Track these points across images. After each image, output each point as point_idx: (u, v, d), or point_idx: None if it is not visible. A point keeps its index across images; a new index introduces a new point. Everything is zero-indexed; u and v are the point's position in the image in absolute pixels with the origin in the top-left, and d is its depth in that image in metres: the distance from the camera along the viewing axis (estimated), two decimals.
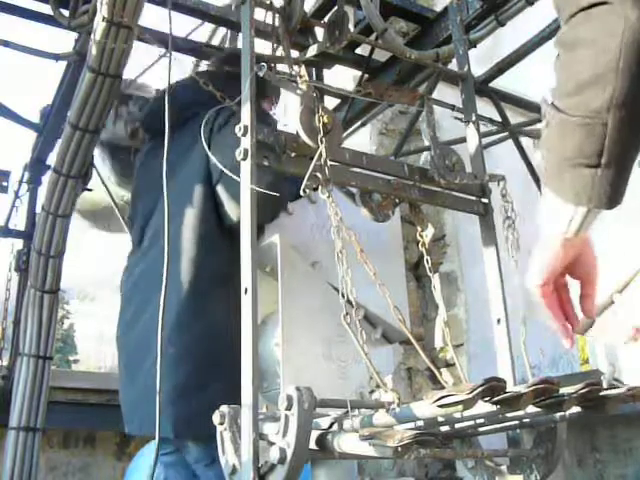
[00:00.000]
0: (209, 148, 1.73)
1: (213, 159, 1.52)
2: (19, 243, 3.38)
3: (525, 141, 3.21)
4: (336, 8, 1.68)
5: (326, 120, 1.35)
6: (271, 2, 1.55)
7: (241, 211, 1.27)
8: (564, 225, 0.94)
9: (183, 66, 1.89)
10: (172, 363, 1.66)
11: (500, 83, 3.09)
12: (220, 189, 1.75)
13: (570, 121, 0.88)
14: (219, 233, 1.78)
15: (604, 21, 0.84)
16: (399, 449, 0.93)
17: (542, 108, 0.94)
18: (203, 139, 1.64)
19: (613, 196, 0.89)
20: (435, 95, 2.58)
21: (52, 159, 2.57)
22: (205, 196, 1.79)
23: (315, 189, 1.32)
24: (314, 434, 1.11)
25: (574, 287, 1.06)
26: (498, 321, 1.49)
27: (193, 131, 1.82)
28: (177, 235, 1.75)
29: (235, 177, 1.31)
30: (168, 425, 1.64)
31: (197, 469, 1.80)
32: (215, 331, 1.71)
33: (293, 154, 1.36)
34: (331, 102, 3.02)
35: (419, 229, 1.57)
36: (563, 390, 0.98)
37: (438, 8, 2.89)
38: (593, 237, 1.02)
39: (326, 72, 2.97)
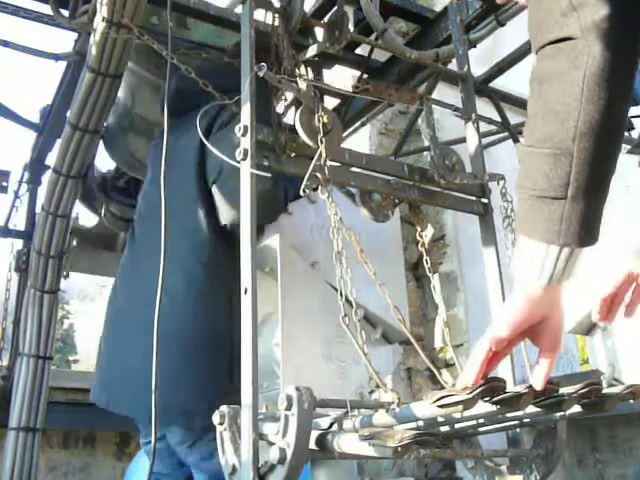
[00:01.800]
0: (207, 145, 1.75)
1: (216, 152, 1.51)
2: (19, 243, 3.38)
3: None
4: (336, 8, 1.68)
5: (326, 120, 1.35)
6: (271, 2, 1.55)
7: (241, 211, 1.26)
8: (536, 271, 0.89)
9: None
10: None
11: (500, 83, 3.09)
12: (216, 189, 1.76)
13: (537, 152, 0.88)
14: (210, 230, 1.80)
15: (569, 55, 0.86)
16: (399, 449, 0.93)
17: (517, 151, 0.95)
18: (200, 133, 1.63)
19: (585, 231, 0.86)
20: (435, 95, 2.58)
21: (52, 159, 2.58)
22: (196, 191, 1.81)
23: (315, 189, 1.32)
24: (314, 434, 1.11)
25: None
26: None
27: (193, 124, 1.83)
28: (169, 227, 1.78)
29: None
30: (146, 411, 1.66)
31: (180, 452, 1.80)
32: (200, 319, 1.73)
33: (293, 154, 1.36)
34: (331, 102, 3.02)
35: (419, 229, 1.57)
36: (563, 390, 0.98)
37: (438, 8, 2.89)
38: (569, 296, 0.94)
39: (326, 72, 2.97)
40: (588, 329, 1.80)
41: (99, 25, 1.86)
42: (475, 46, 2.55)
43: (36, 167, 3.41)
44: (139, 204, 2.09)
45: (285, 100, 1.99)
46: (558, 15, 0.86)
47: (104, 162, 3.18)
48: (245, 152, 1.27)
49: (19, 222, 3.44)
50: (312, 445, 1.10)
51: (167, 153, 1.51)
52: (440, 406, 0.91)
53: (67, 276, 2.94)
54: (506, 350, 0.96)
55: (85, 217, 3.48)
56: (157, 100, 2.26)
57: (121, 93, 2.46)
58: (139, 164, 2.69)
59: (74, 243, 3.28)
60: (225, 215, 1.73)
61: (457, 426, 1.26)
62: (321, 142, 1.31)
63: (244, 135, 1.28)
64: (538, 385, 0.92)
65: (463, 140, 1.78)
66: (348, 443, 1.05)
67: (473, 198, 1.61)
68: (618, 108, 0.86)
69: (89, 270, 3.95)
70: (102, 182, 3.17)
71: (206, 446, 1.71)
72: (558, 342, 0.93)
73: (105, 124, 2.37)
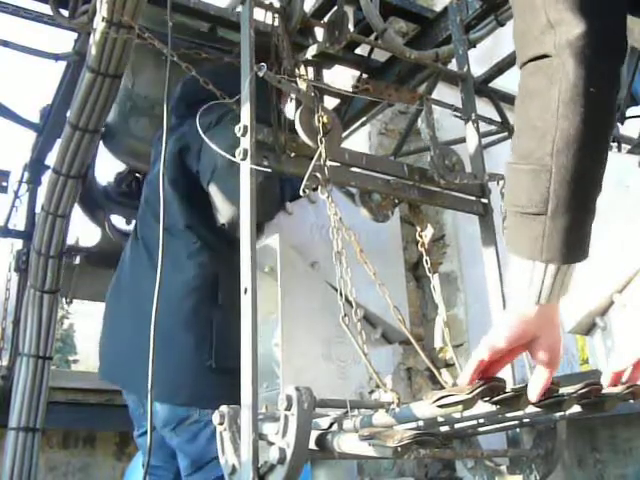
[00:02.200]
0: (199, 149, 1.78)
1: (215, 147, 1.52)
2: (19, 243, 3.38)
3: None
4: (336, 8, 1.68)
5: (326, 120, 1.34)
6: (271, 2, 1.55)
7: (240, 211, 1.26)
8: (525, 288, 0.89)
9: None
10: (142, 326, 1.75)
11: (500, 83, 3.09)
12: (212, 189, 1.77)
13: (519, 169, 0.89)
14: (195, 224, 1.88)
15: (546, 72, 0.88)
16: (399, 449, 0.93)
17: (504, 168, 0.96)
18: (200, 130, 1.64)
19: (567, 247, 0.86)
20: (434, 95, 2.58)
21: (52, 159, 2.58)
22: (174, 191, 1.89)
23: (315, 189, 1.32)
24: (314, 434, 1.11)
25: None
26: None
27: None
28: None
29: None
30: (135, 383, 1.75)
31: (165, 435, 1.82)
32: (184, 305, 1.80)
33: (293, 154, 1.36)
34: (331, 102, 3.02)
35: (418, 229, 1.57)
36: (563, 390, 0.98)
37: (438, 8, 2.89)
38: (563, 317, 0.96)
39: (326, 72, 2.97)
40: (588, 329, 1.80)
41: (99, 25, 1.86)
42: (475, 46, 2.55)
43: (36, 167, 3.41)
44: (144, 190, 2.14)
45: (291, 100, 2.01)
46: (537, 32, 0.88)
47: (103, 170, 3.21)
48: (245, 152, 1.27)
49: (19, 222, 3.45)
50: (312, 445, 1.10)
51: (166, 153, 1.53)
52: (440, 406, 0.91)
53: (70, 302, 2.98)
54: (506, 359, 0.96)
55: (85, 238, 3.50)
56: (158, 78, 2.30)
57: None
58: (144, 149, 2.70)
59: (77, 261, 3.31)
60: (223, 214, 1.74)
61: (457, 426, 1.26)
62: (321, 142, 1.31)
63: (244, 135, 1.28)
64: (532, 397, 0.92)
65: (463, 140, 1.78)
66: (348, 443, 1.05)
67: (473, 198, 1.61)
68: (594, 124, 0.86)
69: (91, 296, 3.82)
70: (104, 192, 3.20)
71: (189, 429, 1.75)
72: (554, 360, 0.92)
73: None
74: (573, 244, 0.87)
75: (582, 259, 0.89)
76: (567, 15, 0.85)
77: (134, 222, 2.17)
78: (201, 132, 1.53)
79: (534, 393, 0.92)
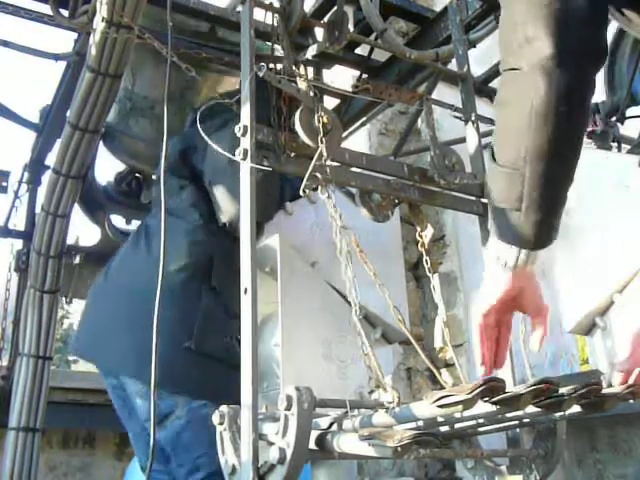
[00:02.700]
0: (205, 149, 1.78)
1: (218, 149, 1.53)
2: (19, 243, 3.38)
3: None
4: (336, 8, 1.68)
5: (326, 120, 1.34)
6: (271, 2, 1.55)
7: (240, 211, 1.26)
8: (502, 259, 1.04)
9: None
10: (123, 299, 1.79)
11: None
12: (213, 190, 1.80)
13: (498, 170, 1.01)
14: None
15: (519, 85, 0.96)
16: (399, 449, 0.93)
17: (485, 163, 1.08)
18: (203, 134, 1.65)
19: (537, 237, 1.00)
20: (434, 95, 2.58)
21: (52, 159, 2.58)
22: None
23: (315, 189, 1.32)
24: (314, 434, 1.11)
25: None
26: None
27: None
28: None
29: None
30: (105, 359, 1.80)
31: (148, 426, 1.80)
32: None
33: (293, 154, 1.36)
34: (331, 102, 3.02)
35: (418, 229, 1.57)
36: (563, 390, 0.98)
37: (438, 8, 2.89)
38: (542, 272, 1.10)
39: (325, 72, 2.97)
40: (588, 329, 1.80)
41: (99, 25, 1.86)
42: (475, 46, 2.55)
43: (36, 167, 3.41)
44: (154, 189, 2.18)
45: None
46: (515, 45, 0.95)
47: (103, 170, 3.21)
48: (245, 152, 1.27)
49: (19, 222, 3.44)
50: (312, 445, 1.10)
51: (166, 153, 1.54)
52: (440, 406, 0.91)
53: (70, 302, 2.98)
54: (502, 321, 1.10)
55: (85, 238, 3.50)
56: (158, 78, 2.31)
57: None
58: (144, 149, 2.70)
59: (76, 261, 3.31)
60: (224, 214, 1.76)
61: (457, 426, 1.26)
62: (321, 142, 1.31)
63: (244, 135, 1.28)
64: (535, 346, 1.08)
65: (463, 140, 1.78)
66: (348, 443, 1.05)
67: (473, 198, 1.61)
68: (564, 136, 0.95)
69: None
70: (104, 192, 3.20)
71: (172, 426, 1.74)
72: (541, 306, 1.09)
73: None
74: (542, 234, 1.01)
75: (548, 245, 1.04)
76: (541, 32, 0.90)
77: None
78: (203, 134, 1.53)
79: (537, 341, 1.08)
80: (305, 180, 1.27)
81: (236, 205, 1.62)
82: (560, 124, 0.93)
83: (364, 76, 2.82)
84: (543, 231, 1.01)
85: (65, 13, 2.33)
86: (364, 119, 3.20)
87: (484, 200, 1.61)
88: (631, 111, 2.80)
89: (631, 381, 1.05)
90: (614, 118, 2.72)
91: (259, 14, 1.56)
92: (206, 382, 1.73)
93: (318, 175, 1.28)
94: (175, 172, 1.94)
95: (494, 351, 1.11)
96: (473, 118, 1.69)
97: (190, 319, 1.75)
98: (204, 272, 1.82)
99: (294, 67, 1.47)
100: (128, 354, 1.74)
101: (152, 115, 2.62)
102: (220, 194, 1.78)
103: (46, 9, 2.38)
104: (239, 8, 1.90)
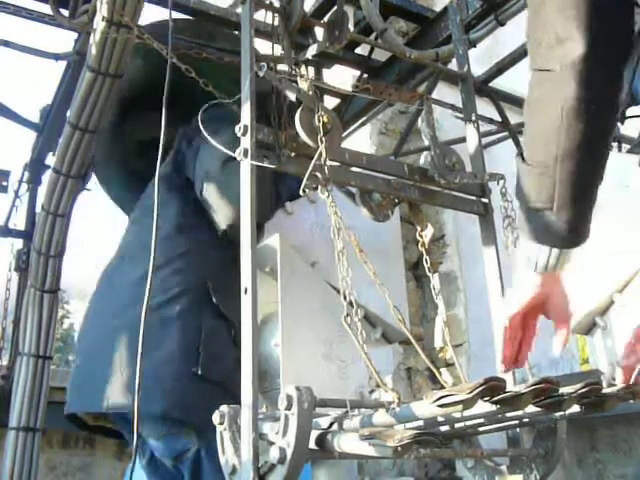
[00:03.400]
0: (197, 150, 1.78)
1: (218, 145, 1.52)
2: (19, 243, 3.37)
3: None
4: (336, 8, 1.68)
5: (326, 120, 1.34)
6: (271, 2, 1.55)
7: (241, 211, 1.26)
8: (532, 260, 1.05)
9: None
10: (113, 338, 1.71)
11: (500, 83, 3.09)
12: (204, 200, 1.77)
13: (528, 170, 1.02)
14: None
15: (550, 86, 0.97)
16: (399, 449, 0.93)
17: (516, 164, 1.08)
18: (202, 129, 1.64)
19: (569, 235, 1.01)
20: (435, 95, 2.58)
21: (52, 159, 2.58)
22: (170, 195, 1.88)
23: (315, 189, 1.32)
24: (314, 434, 1.11)
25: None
26: None
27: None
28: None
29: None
30: (102, 402, 1.66)
31: (167, 463, 1.77)
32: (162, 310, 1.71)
33: (293, 154, 1.36)
34: (331, 102, 3.02)
35: (418, 229, 1.57)
36: (563, 390, 0.98)
37: (438, 8, 2.89)
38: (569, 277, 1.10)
39: (326, 72, 2.97)
40: (588, 329, 1.80)
41: (99, 25, 1.86)
42: (475, 46, 2.55)
43: (36, 167, 3.41)
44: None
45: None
46: (545, 47, 0.96)
47: None
48: (245, 152, 1.27)
49: (19, 222, 3.44)
50: (312, 445, 1.10)
51: (163, 154, 1.53)
52: (440, 406, 0.91)
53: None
54: (528, 324, 1.13)
55: None
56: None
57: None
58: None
59: None
60: (221, 219, 1.74)
61: (457, 426, 1.26)
62: (321, 142, 1.31)
63: (244, 135, 1.28)
64: (557, 350, 1.12)
65: (463, 140, 1.78)
66: (348, 443, 1.05)
67: (473, 198, 1.61)
68: (595, 135, 0.96)
69: None
70: None
71: (190, 460, 1.69)
72: (566, 313, 1.11)
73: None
74: (574, 231, 1.01)
75: (581, 243, 1.03)
76: (574, 32, 0.91)
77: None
78: (204, 131, 1.53)
79: (559, 345, 1.12)
80: (305, 180, 1.27)
81: (235, 207, 1.61)
82: (592, 123, 0.94)
83: (364, 76, 2.82)
84: (575, 229, 1.01)
85: (65, 13, 2.33)
86: (364, 119, 3.20)
87: (484, 200, 1.61)
88: (631, 111, 2.80)
89: (632, 380, 1.06)
90: None
91: (259, 14, 1.56)
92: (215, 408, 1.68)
93: (318, 175, 1.28)
94: (165, 175, 1.90)
95: (515, 351, 1.15)
96: (473, 118, 1.69)
97: (194, 344, 1.68)
98: (202, 293, 1.75)
99: (294, 67, 1.47)
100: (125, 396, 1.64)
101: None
102: (215, 200, 1.75)
103: (46, 9, 2.38)
104: (239, 9, 1.90)
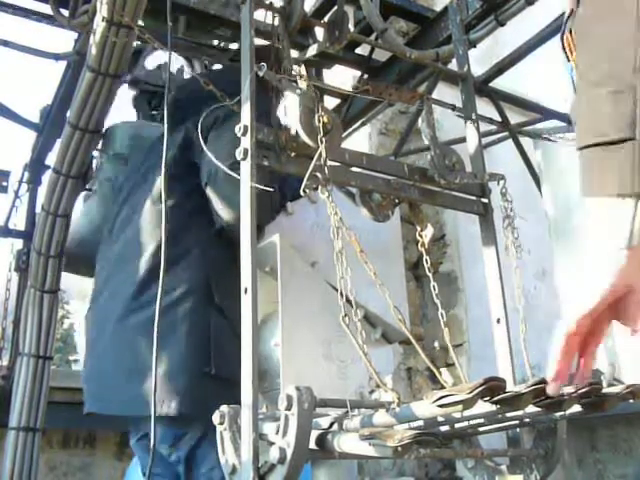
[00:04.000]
0: (201, 148, 1.77)
1: (210, 155, 1.53)
2: (19, 243, 3.38)
3: (525, 141, 3.22)
4: (336, 8, 1.68)
5: (326, 120, 1.34)
6: (271, 2, 1.55)
7: (241, 211, 1.26)
8: (614, 233, 0.77)
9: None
10: (124, 344, 1.72)
11: (500, 83, 3.09)
12: (209, 192, 1.77)
13: (593, 95, 0.79)
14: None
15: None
16: (399, 449, 0.92)
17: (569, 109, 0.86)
18: (201, 137, 1.64)
19: None
20: (435, 95, 2.58)
21: (52, 159, 2.58)
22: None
23: (315, 189, 1.32)
24: (314, 434, 1.11)
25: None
26: (498, 321, 1.49)
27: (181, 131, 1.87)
28: (140, 223, 1.84)
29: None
30: (117, 405, 1.69)
31: (162, 450, 1.77)
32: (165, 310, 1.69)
33: (293, 154, 1.36)
34: (331, 102, 3.02)
35: (418, 229, 1.57)
36: (563, 390, 0.98)
37: (438, 8, 2.89)
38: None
39: (326, 72, 2.97)
40: None
41: (99, 25, 1.86)
42: (475, 46, 2.55)
43: (36, 167, 3.41)
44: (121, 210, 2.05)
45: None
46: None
47: None
48: (245, 152, 1.27)
49: (19, 222, 3.44)
50: (312, 445, 1.10)
51: (166, 155, 1.55)
52: (440, 406, 0.91)
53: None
54: (596, 330, 0.86)
55: None
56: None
57: None
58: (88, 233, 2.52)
59: None
60: (222, 215, 1.74)
61: (457, 426, 1.26)
62: (321, 142, 1.31)
63: (244, 135, 1.28)
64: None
65: (463, 140, 1.78)
66: (348, 443, 1.05)
67: (473, 198, 1.61)
68: None
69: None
70: None
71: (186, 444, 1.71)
72: None
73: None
74: None
75: None
76: None
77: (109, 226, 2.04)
78: (201, 138, 1.53)
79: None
80: (305, 180, 1.27)
81: (234, 205, 1.61)
82: None
83: (364, 76, 2.82)
84: None
85: (65, 13, 2.33)
86: (364, 119, 3.21)
87: (484, 200, 1.61)
88: None
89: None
90: None
91: (259, 14, 1.56)
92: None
93: (318, 175, 1.28)
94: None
95: (569, 365, 0.87)
96: (473, 118, 1.69)
97: (204, 343, 1.68)
98: (205, 310, 1.73)
99: (295, 66, 1.47)
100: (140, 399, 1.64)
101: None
102: (217, 195, 1.74)
103: (46, 9, 2.38)
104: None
